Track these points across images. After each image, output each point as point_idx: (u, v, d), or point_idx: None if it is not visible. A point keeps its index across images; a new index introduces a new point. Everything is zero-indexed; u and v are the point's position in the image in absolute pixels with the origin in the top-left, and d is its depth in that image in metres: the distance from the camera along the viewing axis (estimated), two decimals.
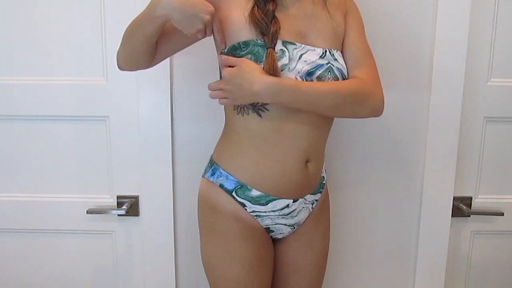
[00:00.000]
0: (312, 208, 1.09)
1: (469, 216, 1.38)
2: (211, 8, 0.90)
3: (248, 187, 0.99)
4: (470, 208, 1.38)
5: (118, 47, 1.02)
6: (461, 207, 1.36)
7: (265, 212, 1.02)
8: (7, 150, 1.36)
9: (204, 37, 0.95)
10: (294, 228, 1.08)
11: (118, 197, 1.36)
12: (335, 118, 1.09)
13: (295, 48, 0.94)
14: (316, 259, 1.12)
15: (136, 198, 1.36)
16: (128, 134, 1.33)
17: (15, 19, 1.28)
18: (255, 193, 1.00)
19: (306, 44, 0.96)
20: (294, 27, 0.97)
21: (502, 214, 1.35)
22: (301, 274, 1.11)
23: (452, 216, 1.36)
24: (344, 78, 0.98)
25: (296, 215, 1.05)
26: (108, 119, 1.33)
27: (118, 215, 1.36)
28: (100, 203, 1.37)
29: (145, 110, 1.30)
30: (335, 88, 0.94)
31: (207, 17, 0.89)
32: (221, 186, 1.02)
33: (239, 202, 1.01)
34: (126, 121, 1.32)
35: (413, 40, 1.29)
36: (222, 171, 1.02)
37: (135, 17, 0.96)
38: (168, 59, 1.23)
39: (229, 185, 1.01)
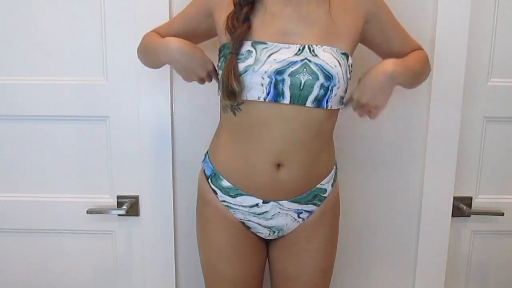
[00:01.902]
0: (299, 217, 1.06)
1: (469, 216, 1.38)
2: (209, 65, 0.99)
3: (220, 176, 1.04)
4: (470, 208, 1.38)
5: (138, 46, 1.12)
6: (461, 207, 1.36)
7: (234, 205, 1.05)
8: (7, 150, 1.36)
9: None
10: (275, 232, 1.08)
11: (118, 197, 1.36)
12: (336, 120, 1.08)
13: (265, 48, 0.95)
14: (308, 273, 1.09)
15: (136, 198, 1.36)
16: (128, 134, 1.33)
17: (15, 19, 1.28)
18: (225, 183, 1.04)
19: (285, 42, 0.95)
20: (276, 27, 0.97)
21: (502, 214, 1.35)
22: (293, 285, 1.10)
23: (452, 216, 1.35)
24: (325, 74, 0.93)
25: (271, 218, 1.05)
26: (108, 119, 1.33)
27: (118, 215, 1.36)
28: (100, 203, 1.37)
29: (145, 110, 1.30)
30: (423, 59, 1.06)
31: (202, 74, 0.99)
32: (204, 171, 1.10)
33: (212, 189, 1.06)
34: (126, 121, 1.32)
35: None
36: (207, 158, 1.10)
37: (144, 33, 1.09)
38: None
39: (208, 171, 1.08)
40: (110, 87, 1.31)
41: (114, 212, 1.32)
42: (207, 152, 1.11)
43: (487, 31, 1.29)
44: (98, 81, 1.31)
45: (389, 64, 0.94)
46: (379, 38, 1.06)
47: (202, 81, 1.02)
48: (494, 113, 1.33)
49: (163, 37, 1.04)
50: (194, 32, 1.08)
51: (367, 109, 0.97)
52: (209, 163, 1.08)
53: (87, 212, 1.33)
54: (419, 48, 1.11)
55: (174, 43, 0.97)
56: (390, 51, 1.07)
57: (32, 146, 1.35)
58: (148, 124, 1.31)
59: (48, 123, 1.34)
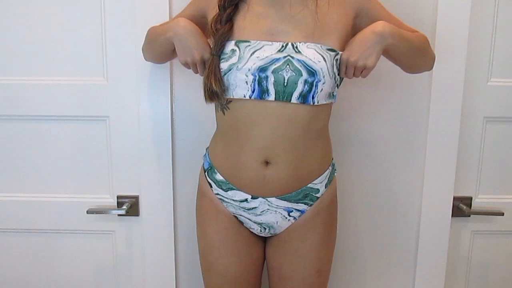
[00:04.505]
0: (289, 216, 1.06)
1: (469, 216, 1.38)
2: (206, 52, 0.99)
3: (215, 170, 1.08)
4: (470, 208, 1.38)
5: (143, 42, 1.15)
6: (461, 207, 1.36)
7: (226, 198, 1.07)
8: (7, 150, 1.36)
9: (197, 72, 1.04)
10: (266, 229, 1.09)
11: (118, 197, 1.36)
12: (330, 121, 1.09)
13: (248, 45, 0.96)
14: (302, 272, 1.08)
15: (136, 198, 1.36)
16: (128, 134, 1.33)
17: (15, 19, 1.28)
18: (218, 177, 1.07)
19: (271, 40, 0.96)
20: (263, 27, 0.98)
21: (502, 214, 1.35)
22: (287, 284, 1.10)
23: (452, 216, 1.35)
24: (308, 70, 0.93)
25: (260, 214, 1.06)
26: (108, 119, 1.33)
27: (118, 215, 1.36)
28: (100, 203, 1.37)
29: (145, 110, 1.30)
30: (420, 35, 1.06)
31: (196, 57, 0.99)
32: (203, 164, 1.14)
33: (208, 182, 1.10)
34: (126, 121, 1.32)
35: None
36: (206, 152, 1.14)
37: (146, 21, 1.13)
38: None
39: (206, 165, 1.12)
40: (110, 87, 1.31)
41: (114, 212, 1.32)
42: (207, 147, 1.14)
43: (487, 31, 1.29)
44: (98, 81, 1.31)
45: (379, 24, 0.96)
46: None
47: (194, 66, 1.01)
48: (494, 113, 1.33)
49: None
50: None
51: (357, 70, 0.98)
52: (207, 157, 1.11)
53: (87, 212, 1.32)
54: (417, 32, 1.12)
55: (183, 21, 1.00)
56: None
57: (32, 146, 1.35)
58: (148, 124, 1.31)
59: (48, 123, 1.34)
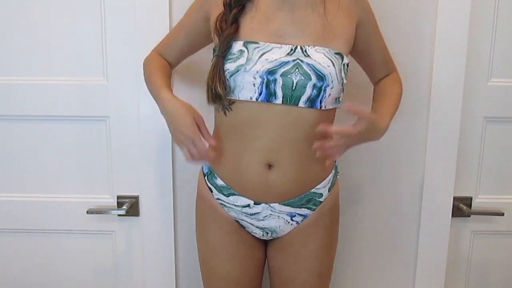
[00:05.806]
0: (292, 220, 1.05)
1: (469, 216, 1.38)
2: (196, 135, 0.95)
3: (215, 174, 1.06)
4: (470, 208, 1.38)
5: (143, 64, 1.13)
6: (461, 207, 1.36)
7: (228, 203, 1.06)
8: (7, 150, 1.36)
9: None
10: (269, 234, 1.08)
11: (118, 197, 1.36)
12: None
13: (257, 47, 0.94)
14: (303, 276, 1.08)
15: (136, 198, 1.36)
16: (128, 134, 1.33)
17: (15, 19, 1.28)
18: (219, 182, 1.05)
19: (280, 43, 0.95)
20: (271, 29, 0.96)
21: (502, 214, 1.35)
22: (289, 287, 1.09)
23: (452, 216, 1.35)
24: (317, 73, 0.93)
25: (262, 219, 1.05)
26: (108, 119, 1.33)
27: (118, 215, 1.36)
28: (100, 203, 1.37)
29: (145, 110, 1.30)
30: (397, 104, 1.09)
31: (187, 132, 0.95)
32: (202, 168, 1.12)
33: (208, 187, 1.08)
34: (126, 121, 1.32)
35: (413, 41, 1.29)
36: None
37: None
38: None
39: (205, 169, 1.10)
40: (110, 87, 1.31)
41: (114, 212, 1.32)
42: None
43: (487, 31, 1.29)
44: (98, 81, 1.31)
45: (386, 123, 1.01)
46: (361, 46, 1.06)
47: (192, 147, 0.96)
48: (494, 113, 1.33)
49: (167, 58, 1.10)
50: (197, 40, 1.10)
51: (338, 138, 0.94)
52: (207, 161, 1.08)
53: (87, 212, 1.33)
54: (394, 70, 1.15)
55: (171, 105, 0.97)
56: (370, 62, 1.12)
57: (32, 146, 1.35)
58: (148, 124, 1.31)
59: (48, 123, 1.34)
